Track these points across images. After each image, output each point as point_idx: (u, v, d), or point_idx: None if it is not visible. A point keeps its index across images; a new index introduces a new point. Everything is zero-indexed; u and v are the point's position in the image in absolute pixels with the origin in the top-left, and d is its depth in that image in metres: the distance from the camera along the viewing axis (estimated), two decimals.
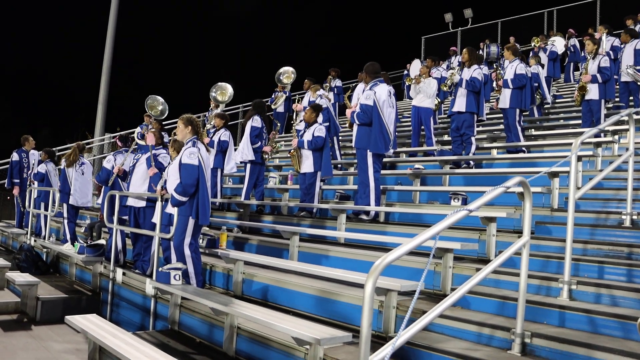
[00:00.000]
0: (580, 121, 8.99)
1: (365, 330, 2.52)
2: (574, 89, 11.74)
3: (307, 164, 7.76)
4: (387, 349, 2.62)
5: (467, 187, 7.25)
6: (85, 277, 7.80)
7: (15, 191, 10.98)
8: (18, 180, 10.90)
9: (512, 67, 8.67)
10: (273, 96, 13.34)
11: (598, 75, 8.45)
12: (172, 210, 5.72)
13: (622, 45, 9.92)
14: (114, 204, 6.91)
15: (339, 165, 10.05)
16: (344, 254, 5.84)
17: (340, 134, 10.83)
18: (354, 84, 13.26)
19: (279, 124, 13.46)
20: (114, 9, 16.57)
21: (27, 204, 10.06)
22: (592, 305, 3.75)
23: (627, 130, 6.07)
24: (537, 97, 10.26)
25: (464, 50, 8.83)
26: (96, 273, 7.26)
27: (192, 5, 48.03)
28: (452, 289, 4.53)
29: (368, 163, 6.65)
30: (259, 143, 8.60)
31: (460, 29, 22.05)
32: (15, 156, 11.01)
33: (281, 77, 12.82)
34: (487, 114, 10.10)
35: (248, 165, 8.67)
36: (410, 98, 10.89)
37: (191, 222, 5.58)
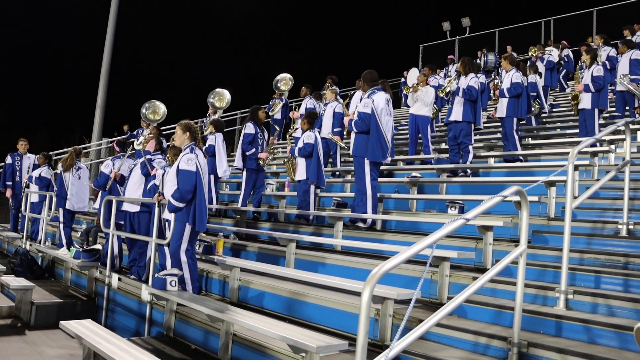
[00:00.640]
0: (577, 130, 9.03)
1: (361, 339, 2.51)
2: (568, 98, 11.81)
3: (300, 172, 7.87)
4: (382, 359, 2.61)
5: (464, 195, 7.27)
6: (80, 282, 7.77)
7: (8, 193, 11.10)
8: (10, 183, 11.04)
9: (509, 77, 8.72)
10: (270, 103, 13.35)
11: (591, 85, 8.50)
12: (169, 216, 5.71)
13: (618, 56, 9.99)
14: (111, 209, 6.89)
15: (337, 173, 10.06)
16: (340, 262, 5.83)
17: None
18: (351, 92, 13.28)
19: (277, 128, 13.49)
20: (113, 13, 16.59)
21: (22, 207, 10.05)
22: (589, 315, 3.74)
23: (624, 139, 6.09)
24: (536, 106, 10.30)
25: (459, 61, 8.87)
26: (92, 278, 7.23)
27: (191, 10, 48.15)
28: (449, 298, 4.52)
29: (365, 171, 6.66)
30: (253, 150, 8.60)
31: (458, 37, 22.15)
32: (8, 159, 11.19)
33: (279, 84, 12.84)
34: (484, 123, 10.13)
35: (244, 172, 8.68)
36: (408, 106, 10.93)
37: (188, 228, 5.57)
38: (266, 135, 8.95)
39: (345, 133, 8.56)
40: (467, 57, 8.93)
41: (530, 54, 14.11)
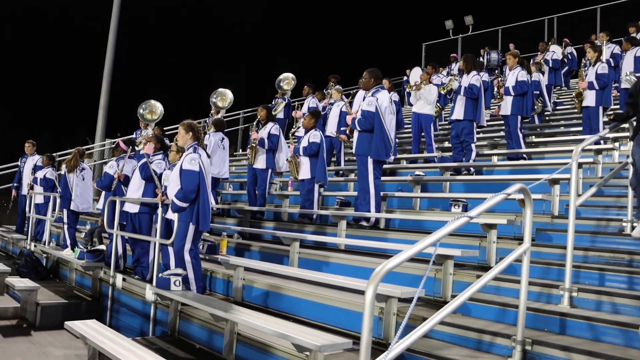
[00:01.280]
0: (580, 128, 9.00)
1: (365, 337, 2.51)
2: (572, 96, 11.77)
3: (305, 171, 7.83)
4: (386, 358, 2.61)
5: (468, 193, 7.25)
6: (85, 282, 7.79)
7: (14, 193, 11.43)
8: (17, 184, 11.36)
9: (514, 74, 8.68)
10: (273, 102, 13.35)
11: (595, 82, 8.47)
12: (172, 216, 5.72)
13: (622, 53, 9.95)
14: (115, 209, 6.91)
15: (341, 172, 10.06)
16: (344, 261, 5.83)
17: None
18: (354, 91, 13.27)
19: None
20: (116, 14, 16.61)
21: (27, 209, 10.11)
22: (593, 313, 3.74)
23: (628, 137, 6.07)
24: (539, 104, 10.27)
25: (461, 59, 8.84)
26: (96, 278, 7.25)
27: (194, 11, 48.23)
28: (453, 296, 4.52)
29: (368, 170, 6.64)
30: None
31: (460, 35, 22.10)
32: (19, 162, 11.52)
33: (281, 84, 12.82)
34: (487, 121, 10.10)
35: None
36: (411, 104, 10.91)
37: (191, 228, 5.58)
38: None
39: (347, 131, 8.53)
40: (469, 55, 8.91)
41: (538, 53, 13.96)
